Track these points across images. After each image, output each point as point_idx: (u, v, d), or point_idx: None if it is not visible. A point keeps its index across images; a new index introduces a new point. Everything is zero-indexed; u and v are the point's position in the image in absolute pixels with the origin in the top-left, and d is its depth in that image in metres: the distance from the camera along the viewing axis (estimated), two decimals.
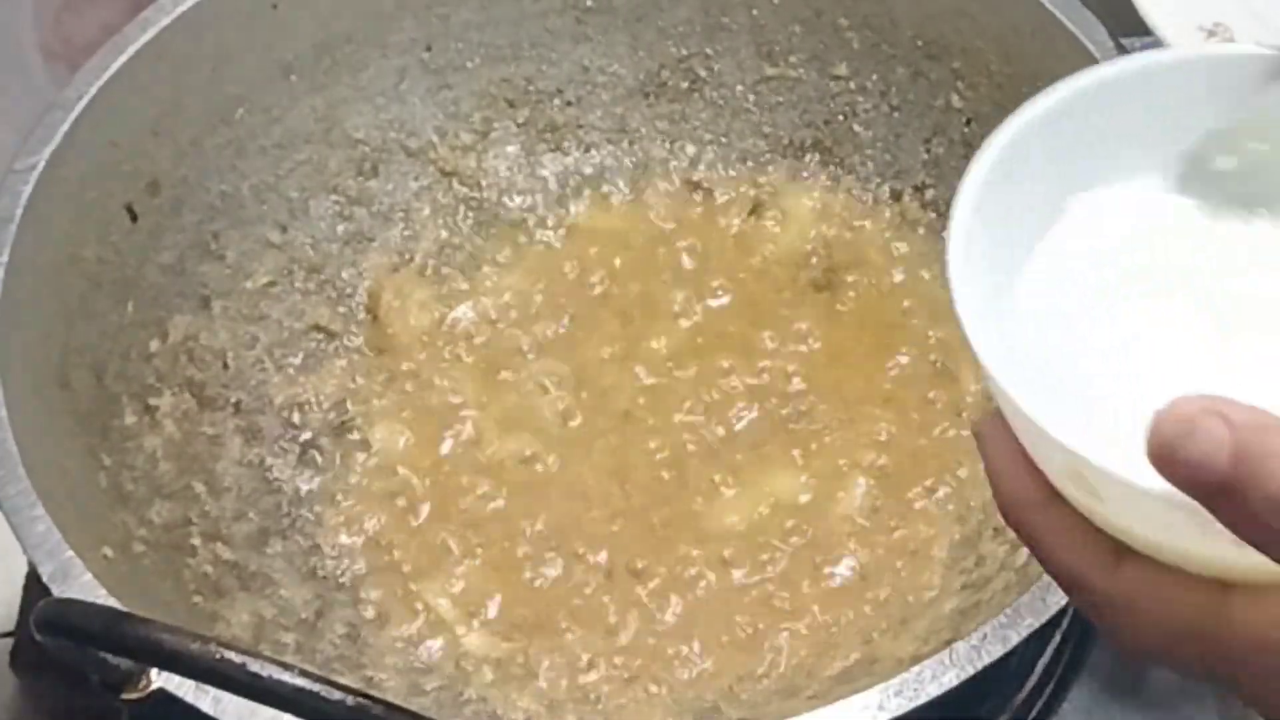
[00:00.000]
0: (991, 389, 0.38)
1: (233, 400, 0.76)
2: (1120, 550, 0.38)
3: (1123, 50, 0.67)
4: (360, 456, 0.76)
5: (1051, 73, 0.42)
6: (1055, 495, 0.39)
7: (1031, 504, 0.39)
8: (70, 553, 0.59)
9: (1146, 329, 0.41)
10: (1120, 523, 0.38)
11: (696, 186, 0.84)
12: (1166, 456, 0.34)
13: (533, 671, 0.69)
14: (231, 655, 0.46)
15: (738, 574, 0.71)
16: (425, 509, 0.75)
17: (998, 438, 0.39)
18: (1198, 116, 0.43)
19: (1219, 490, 0.34)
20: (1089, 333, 0.41)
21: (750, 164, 0.85)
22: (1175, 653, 0.38)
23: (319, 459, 0.76)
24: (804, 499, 0.73)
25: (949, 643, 0.56)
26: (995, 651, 0.56)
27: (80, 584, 0.58)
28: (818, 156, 0.84)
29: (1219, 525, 0.34)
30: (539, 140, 0.84)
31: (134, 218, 0.74)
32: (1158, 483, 0.34)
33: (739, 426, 0.75)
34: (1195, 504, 0.34)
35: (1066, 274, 0.42)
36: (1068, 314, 0.41)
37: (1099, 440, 0.35)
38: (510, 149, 0.84)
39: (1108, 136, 0.43)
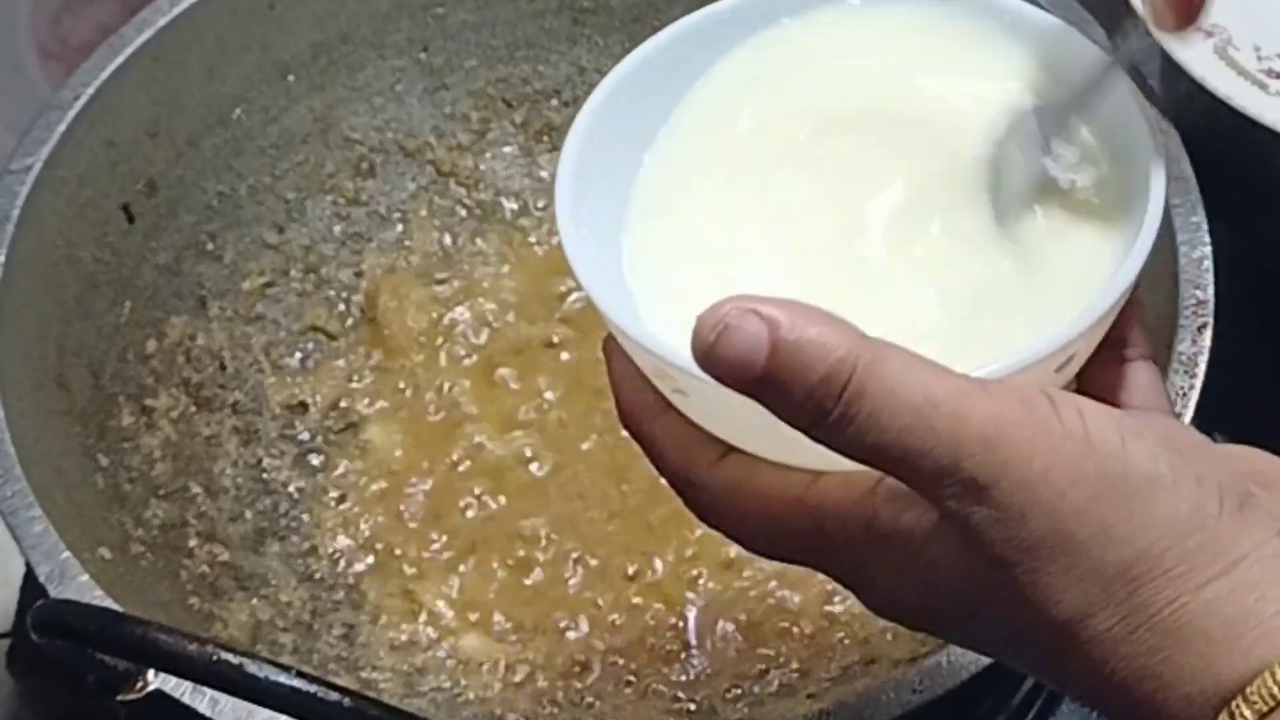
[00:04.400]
0: (590, 299, 0.41)
1: (230, 401, 0.76)
2: (722, 450, 0.41)
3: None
4: (357, 457, 0.76)
5: None
6: (668, 406, 0.42)
7: (645, 411, 0.43)
8: (67, 553, 0.59)
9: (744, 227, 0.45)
10: (707, 416, 0.41)
11: None
12: (706, 355, 0.37)
13: (530, 673, 0.69)
14: (228, 656, 0.46)
15: (735, 574, 0.71)
16: (422, 510, 0.75)
17: (618, 352, 0.43)
18: None
19: (761, 383, 0.36)
20: (699, 236, 0.45)
21: None
22: (774, 539, 0.41)
23: (316, 460, 0.76)
24: None
25: (946, 644, 0.56)
26: None
27: (77, 585, 0.58)
28: None
29: None
30: (536, 141, 0.84)
31: (131, 218, 0.74)
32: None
33: None
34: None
35: (683, 185, 0.46)
36: (685, 218, 0.45)
37: (683, 340, 0.38)
38: (507, 149, 0.84)
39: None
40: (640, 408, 0.43)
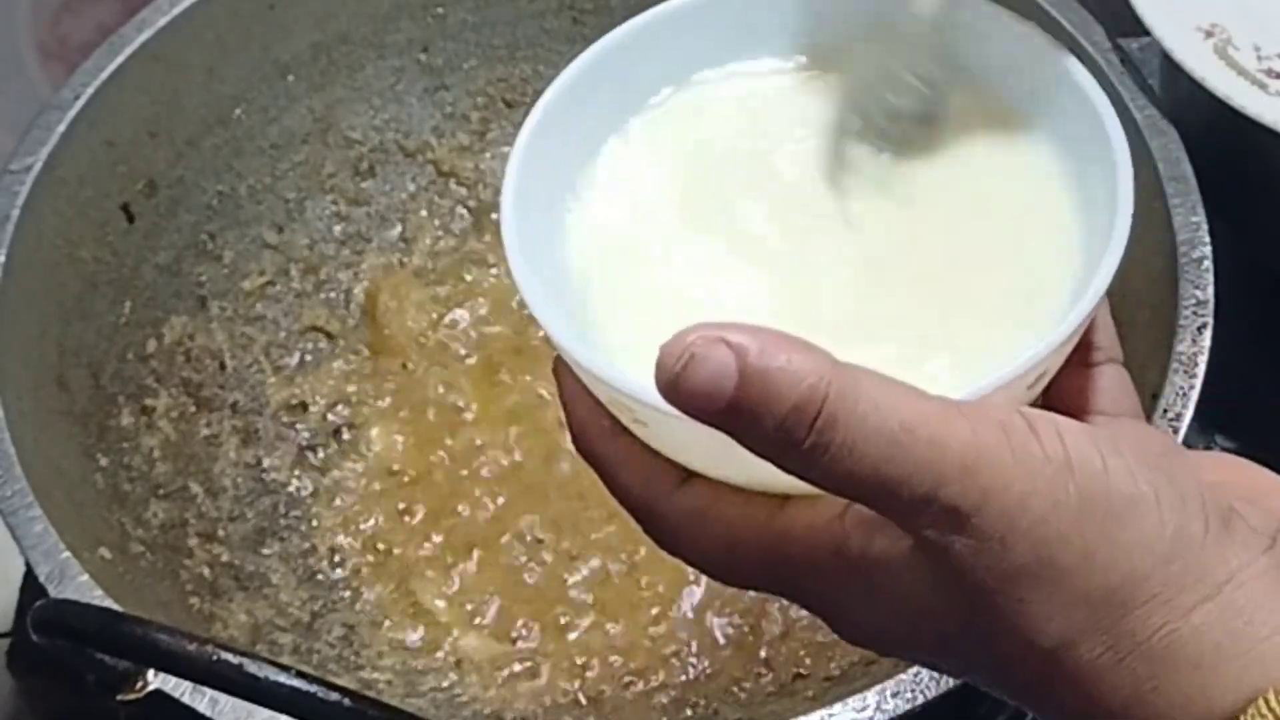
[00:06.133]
0: (543, 329, 0.40)
1: (229, 401, 0.76)
2: (683, 475, 0.40)
3: (1120, 51, 0.67)
4: (357, 457, 0.76)
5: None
6: (623, 429, 0.40)
7: (599, 435, 0.41)
8: (67, 553, 0.59)
9: (703, 257, 0.43)
10: (668, 445, 0.39)
11: None
12: (672, 387, 0.34)
13: (530, 672, 0.69)
14: (228, 656, 0.46)
15: None
16: (422, 510, 0.75)
17: (568, 371, 0.41)
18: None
19: (729, 414, 0.34)
20: (652, 265, 0.43)
21: None
22: (739, 566, 0.40)
23: (316, 460, 0.76)
24: None
25: None
26: None
27: (77, 584, 0.58)
28: None
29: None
30: None
31: (130, 218, 0.74)
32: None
33: None
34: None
35: (634, 207, 0.45)
36: (634, 246, 0.44)
37: (642, 369, 0.36)
38: (507, 149, 0.83)
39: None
40: (594, 431, 0.41)
